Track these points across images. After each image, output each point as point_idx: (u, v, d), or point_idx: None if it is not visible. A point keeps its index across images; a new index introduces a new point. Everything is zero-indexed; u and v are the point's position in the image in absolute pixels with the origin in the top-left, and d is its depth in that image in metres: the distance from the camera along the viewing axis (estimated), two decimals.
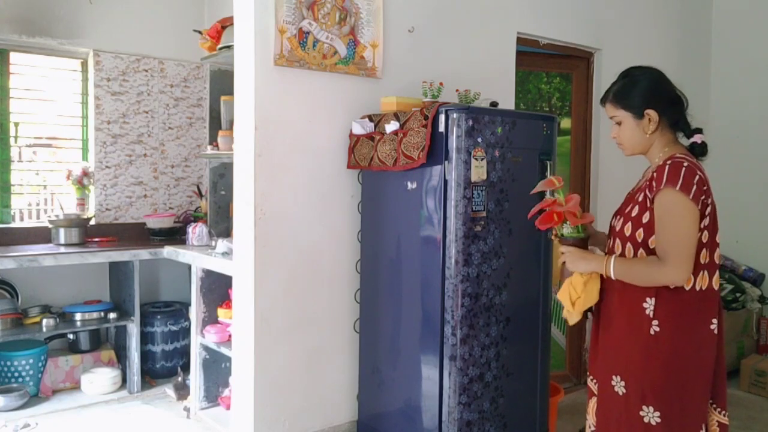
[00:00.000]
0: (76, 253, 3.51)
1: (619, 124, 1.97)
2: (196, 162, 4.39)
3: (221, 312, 3.32)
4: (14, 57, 3.86)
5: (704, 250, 1.85)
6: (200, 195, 4.22)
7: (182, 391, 3.57)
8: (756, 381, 3.97)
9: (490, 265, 2.58)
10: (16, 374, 3.54)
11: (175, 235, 3.99)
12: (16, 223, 3.89)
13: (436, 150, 2.53)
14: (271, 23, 2.72)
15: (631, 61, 4.46)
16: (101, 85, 4.01)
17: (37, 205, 4.06)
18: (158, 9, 4.17)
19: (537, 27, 3.73)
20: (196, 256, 3.36)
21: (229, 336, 3.18)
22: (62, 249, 3.57)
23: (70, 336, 3.82)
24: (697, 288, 1.85)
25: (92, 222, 3.96)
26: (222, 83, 3.61)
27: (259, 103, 2.72)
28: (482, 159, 2.51)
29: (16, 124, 3.89)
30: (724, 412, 1.95)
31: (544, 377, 2.88)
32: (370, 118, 2.92)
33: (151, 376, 3.89)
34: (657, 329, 1.84)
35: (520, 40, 3.67)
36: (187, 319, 3.83)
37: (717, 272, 1.90)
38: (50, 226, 3.72)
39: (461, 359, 2.51)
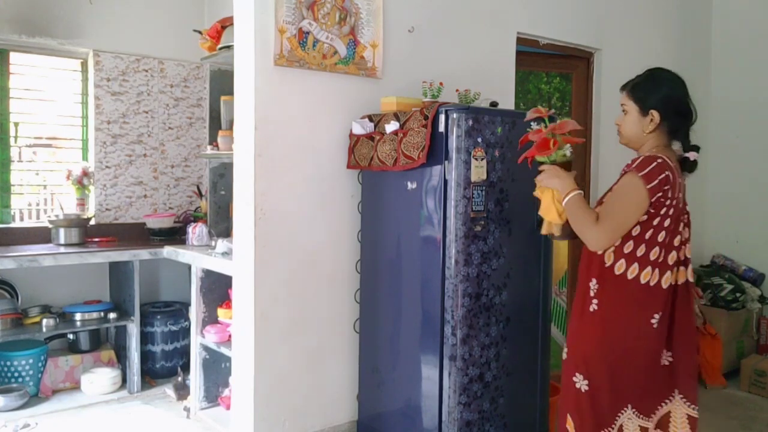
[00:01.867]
0: (76, 253, 3.51)
1: (625, 113, 2.08)
2: (196, 162, 4.39)
3: (221, 312, 3.32)
4: (14, 57, 3.86)
5: (656, 248, 1.95)
6: (200, 195, 4.22)
7: (182, 391, 3.57)
8: (756, 381, 3.97)
9: (490, 265, 2.58)
10: (16, 374, 3.54)
11: (175, 235, 3.99)
12: (16, 223, 3.89)
13: (436, 150, 2.53)
14: (271, 23, 2.72)
15: (631, 61, 4.47)
16: (101, 85, 4.01)
17: (37, 205, 4.06)
18: (158, 9, 4.17)
19: (537, 27, 3.73)
20: (196, 256, 3.35)
21: (229, 336, 3.18)
22: (62, 249, 3.57)
23: (70, 336, 3.82)
24: (642, 281, 1.96)
25: (92, 222, 3.96)
26: (222, 83, 3.61)
27: (259, 103, 2.72)
28: (482, 159, 2.51)
29: (16, 124, 3.89)
30: (693, 405, 2.06)
31: (544, 377, 2.88)
32: (370, 118, 2.92)
33: (151, 376, 3.89)
34: (595, 308, 2.02)
35: (520, 40, 3.67)
36: (187, 319, 3.82)
37: (670, 272, 1.98)
38: (50, 226, 3.72)
39: (461, 359, 2.51)
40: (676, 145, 2.07)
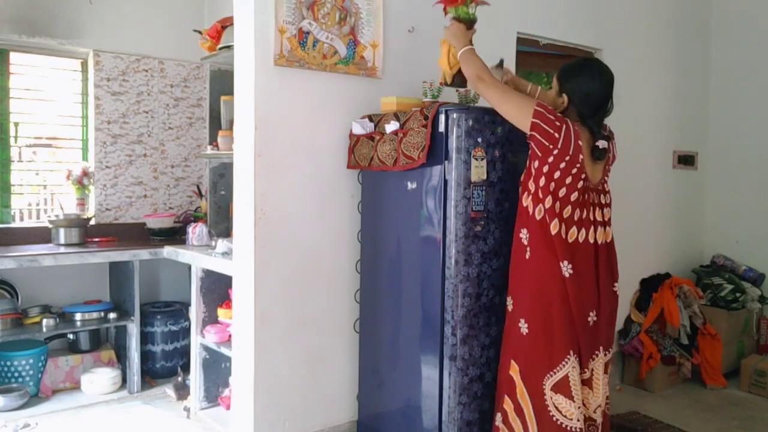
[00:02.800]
0: (76, 253, 3.51)
1: (551, 88, 2.39)
2: (196, 162, 4.39)
3: (221, 312, 3.32)
4: (14, 57, 3.86)
5: (558, 203, 2.20)
6: (200, 195, 4.22)
7: (182, 391, 3.57)
8: (756, 381, 3.97)
9: (490, 265, 2.58)
10: (16, 374, 3.54)
11: (175, 235, 3.99)
12: (16, 223, 3.89)
13: (436, 150, 2.53)
14: (271, 23, 2.72)
15: (631, 61, 4.43)
16: (101, 85, 4.01)
17: (37, 205, 4.06)
18: (158, 9, 4.17)
19: (537, 27, 3.72)
20: (196, 256, 3.36)
21: (229, 336, 3.18)
22: (62, 249, 3.57)
23: (70, 336, 3.82)
24: (553, 232, 2.20)
25: (92, 222, 3.96)
26: (222, 83, 3.61)
27: (259, 103, 2.72)
28: (482, 159, 2.51)
29: (16, 124, 3.89)
30: (609, 351, 2.35)
31: None
32: (370, 118, 2.92)
33: (151, 376, 3.89)
34: (529, 255, 2.25)
35: (520, 40, 3.66)
36: (187, 319, 3.82)
37: (575, 228, 2.22)
38: (50, 226, 3.72)
39: (461, 359, 2.51)
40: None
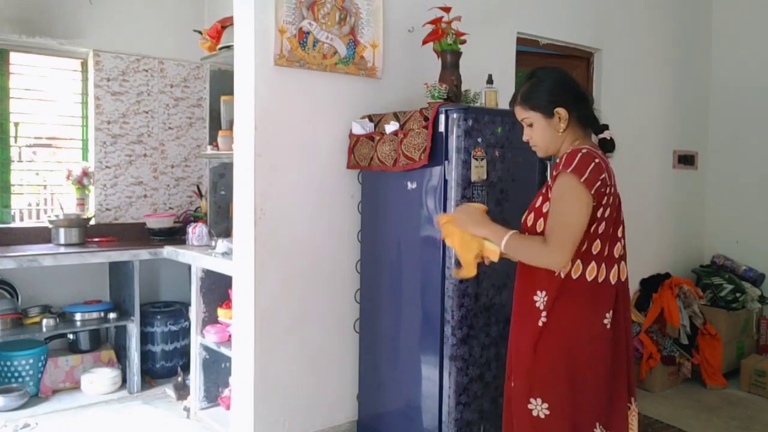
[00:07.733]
0: (76, 253, 3.51)
1: (530, 126, 1.95)
2: (196, 162, 4.39)
3: (221, 312, 3.32)
4: (14, 57, 3.86)
5: (597, 241, 1.81)
6: (200, 195, 4.22)
7: (182, 391, 3.57)
8: (756, 381, 3.97)
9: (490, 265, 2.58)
10: (16, 374, 3.54)
11: (175, 235, 3.99)
12: (16, 223, 3.89)
13: (436, 150, 2.53)
14: (271, 23, 2.72)
15: (631, 61, 4.43)
16: (101, 85, 4.01)
17: (37, 205, 4.06)
18: (158, 9, 4.17)
19: (537, 27, 3.73)
20: (196, 256, 3.35)
21: (229, 336, 3.18)
22: (62, 249, 3.57)
23: (70, 336, 3.82)
24: (589, 279, 1.82)
25: (92, 222, 3.96)
26: (222, 83, 3.61)
27: (259, 103, 2.73)
28: (482, 159, 2.51)
29: (16, 124, 3.89)
30: (636, 402, 1.96)
31: None
32: (370, 118, 2.92)
33: (151, 376, 3.89)
34: (545, 320, 1.83)
35: (520, 40, 3.67)
36: (187, 319, 3.82)
37: (617, 266, 1.86)
38: (50, 226, 3.72)
39: (461, 359, 2.51)
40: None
